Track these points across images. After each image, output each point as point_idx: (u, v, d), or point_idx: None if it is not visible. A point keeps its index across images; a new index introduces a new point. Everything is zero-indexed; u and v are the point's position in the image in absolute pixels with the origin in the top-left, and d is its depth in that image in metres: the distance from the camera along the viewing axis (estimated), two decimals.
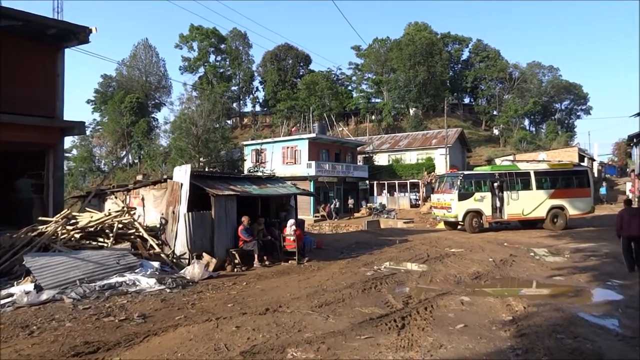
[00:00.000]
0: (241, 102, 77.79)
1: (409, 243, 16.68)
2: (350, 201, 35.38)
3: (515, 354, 5.20)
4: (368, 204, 37.12)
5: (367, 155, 44.04)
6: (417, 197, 38.17)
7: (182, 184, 11.08)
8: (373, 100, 68.28)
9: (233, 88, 73.75)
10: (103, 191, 13.51)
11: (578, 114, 79.25)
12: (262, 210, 14.02)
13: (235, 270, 11.01)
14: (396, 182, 39.91)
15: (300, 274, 10.54)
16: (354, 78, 73.30)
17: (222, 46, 71.90)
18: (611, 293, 8.57)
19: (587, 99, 77.72)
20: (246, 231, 11.71)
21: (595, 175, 45.09)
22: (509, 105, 63.86)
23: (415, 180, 38.73)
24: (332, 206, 33.56)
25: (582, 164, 31.36)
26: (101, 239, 10.30)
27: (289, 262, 11.94)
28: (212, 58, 72.21)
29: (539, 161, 28.20)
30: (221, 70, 71.87)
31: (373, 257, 13.25)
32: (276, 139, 38.51)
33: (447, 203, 20.86)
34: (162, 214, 11.37)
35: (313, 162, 33.42)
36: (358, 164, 41.40)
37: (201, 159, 37.58)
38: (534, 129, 74.83)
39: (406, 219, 30.71)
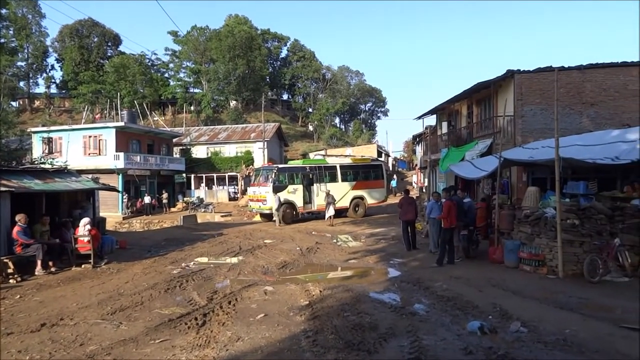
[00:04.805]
0: (31, 81, 65.96)
1: (223, 237, 16.55)
2: (165, 195, 33.31)
3: (307, 336, 5.52)
4: (185, 198, 35.65)
5: (184, 147, 42.16)
6: (236, 190, 38.29)
7: None
8: (192, 90, 65.71)
9: (20, 64, 61.88)
10: None
11: (378, 115, 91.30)
12: (49, 208, 12.00)
13: (10, 281, 9.19)
14: (215, 175, 39.29)
15: (94, 279, 9.37)
16: (171, 65, 69.03)
17: (4, 11, 59.16)
18: (392, 270, 9.93)
19: (385, 102, 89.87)
20: (24, 232, 9.85)
21: (390, 169, 52.47)
22: (322, 104, 69.18)
23: (234, 174, 38.77)
24: (139, 201, 31.19)
25: (379, 159, 35.82)
26: None
27: (83, 266, 10.51)
28: None
29: (346, 156, 31.26)
30: (2, 41, 59.21)
31: (183, 253, 12.69)
32: (75, 127, 33.66)
33: (262, 196, 21.40)
34: None
35: (121, 154, 30.34)
36: (174, 156, 39.31)
37: None
38: (343, 126, 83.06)
39: (224, 212, 30.53)
